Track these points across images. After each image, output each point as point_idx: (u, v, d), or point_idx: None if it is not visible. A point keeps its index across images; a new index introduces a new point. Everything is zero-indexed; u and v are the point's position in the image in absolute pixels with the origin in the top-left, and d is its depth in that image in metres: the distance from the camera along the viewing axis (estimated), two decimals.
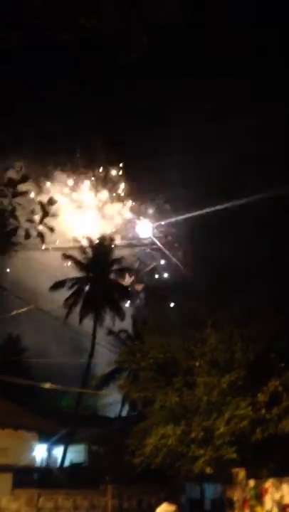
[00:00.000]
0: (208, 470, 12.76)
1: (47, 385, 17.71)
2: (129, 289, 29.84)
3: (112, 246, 31.10)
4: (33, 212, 8.11)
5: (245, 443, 13.09)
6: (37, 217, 8.13)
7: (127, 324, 30.98)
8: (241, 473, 14.18)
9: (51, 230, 8.44)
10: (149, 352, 15.58)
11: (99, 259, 30.12)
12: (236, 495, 14.25)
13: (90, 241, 30.85)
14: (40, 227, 8.15)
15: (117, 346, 30.06)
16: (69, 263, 29.80)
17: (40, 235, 8.10)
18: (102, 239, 31.43)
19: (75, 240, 28.96)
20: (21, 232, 7.72)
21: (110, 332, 29.73)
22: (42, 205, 8.17)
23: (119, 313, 29.43)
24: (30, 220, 8.00)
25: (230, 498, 14.41)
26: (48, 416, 22.52)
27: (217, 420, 13.26)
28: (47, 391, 28.66)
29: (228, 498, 14.53)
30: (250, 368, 13.54)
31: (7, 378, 18.07)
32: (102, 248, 30.70)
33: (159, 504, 11.17)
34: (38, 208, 8.16)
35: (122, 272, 30.19)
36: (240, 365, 13.52)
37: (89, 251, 30.54)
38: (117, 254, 30.25)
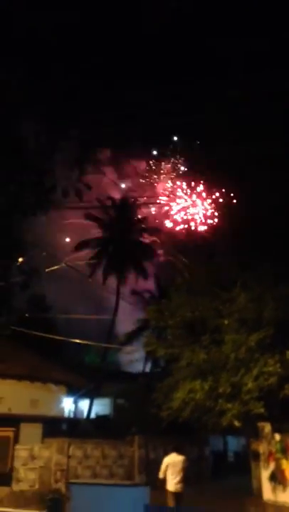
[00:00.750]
0: (237, 423, 13.10)
1: (77, 340, 18.20)
2: (153, 248, 29.91)
3: (136, 205, 31.03)
4: (71, 169, 8.05)
5: (273, 399, 13.33)
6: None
7: (150, 284, 31.34)
8: (267, 427, 14.53)
9: (88, 187, 8.38)
10: (176, 310, 15.74)
11: (122, 219, 30.15)
12: (262, 448, 14.66)
13: (113, 201, 30.81)
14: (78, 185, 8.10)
15: (141, 306, 30.64)
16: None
17: (78, 193, 8.06)
18: (125, 198, 31.32)
19: (99, 200, 28.93)
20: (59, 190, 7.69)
21: (134, 292, 30.13)
22: (79, 163, 8.09)
23: (143, 272, 29.68)
24: (68, 178, 7.96)
25: (256, 450, 14.84)
26: (74, 371, 23.28)
27: (245, 376, 13.47)
28: (72, 347, 29.57)
29: (254, 450, 14.96)
30: (278, 327, 13.60)
31: (37, 333, 18.57)
32: (125, 208, 30.67)
33: (167, 454, 11.67)
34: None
35: (146, 231, 30.20)
36: (269, 324, 13.59)
37: (112, 211, 30.57)
38: (143, 213, 30.20)
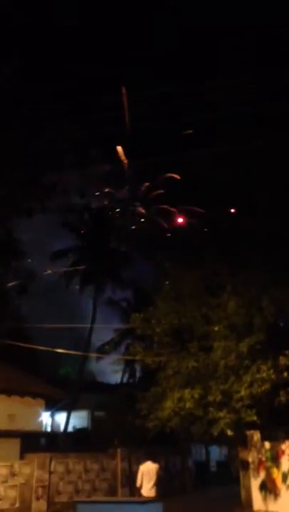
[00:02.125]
0: (229, 432, 12.84)
1: (59, 350, 17.66)
2: (130, 257, 29.55)
3: (112, 213, 30.70)
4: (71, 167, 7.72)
5: (263, 406, 13.17)
6: None
7: (127, 293, 30.97)
8: (256, 435, 14.38)
9: (89, 185, 8.04)
10: (163, 317, 15.45)
11: (98, 228, 29.72)
12: (251, 457, 14.48)
13: (89, 209, 30.37)
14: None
15: (118, 315, 30.20)
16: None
17: (80, 191, 7.71)
18: (102, 206, 30.97)
19: (74, 209, 28.43)
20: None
21: (111, 301, 29.65)
22: (79, 162, 7.78)
23: (120, 282, 29.26)
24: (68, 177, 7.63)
25: (245, 459, 14.64)
26: (50, 383, 22.56)
27: (235, 384, 13.27)
28: (47, 359, 28.72)
29: (243, 459, 14.76)
30: (270, 332, 13.51)
31: (15, 344, 17.88)
32: (101, 216, 30.30)
33: (142, 463, 12.07)
34: None
35: (123, 239, 29.87)
36: (260, 330, 13.47)
37: (88, 219, 30.12)
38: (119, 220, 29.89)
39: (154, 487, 11.38)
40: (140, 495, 11.38)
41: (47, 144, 7.45)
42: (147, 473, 11.55)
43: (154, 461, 12.02)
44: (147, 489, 11.37)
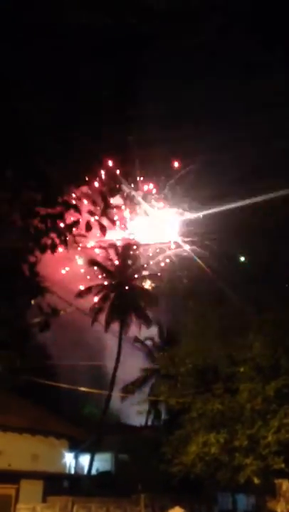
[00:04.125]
0: (256, 480, 12.32)
1: (82, 388, 17.54)
2: (156, 296, 29.51)
3: (137, 252, 30.94)
4: (94, 203, 7.89)
5: None
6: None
7: (151, 331, 30.77)
8: (285, 484, 13.71)
9: (113, 222, 8.16)
10: (187, 357, 15.26)
11: (124, 266, 29.96)
12: (280, 507, 13.77)
13: (116, 248, 30.75)
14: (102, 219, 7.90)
15: (143, 354, 29.89)
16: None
17: (102, 227, 7.84)
18: (128, 245, 31.30)
19: (101, 247, 28.86)
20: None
21: (136, 339, 29.46)
22: (103, 196, 7.93)
23: (146, 320, 29.14)
24: (91, 212, 7.76)
25: (273, 510, 13.92)
26: (74, 423, 22.30)
27: (262, 429, 12.84)
28: (71, 398, 28.47)
29: (271, 510, 14.05)
30: None
31: (39, 381, 17.87)
32: (127, 255, 30.56)
33: (170, 508, 12.97)
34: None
35: (148, 278, 29.93)
36: (287, 372, 13.11)
37: (114, 257, 30.44)
38: (144, 260, 30.02)
39: None
40: None
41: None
42: None
43: (182, 506, 12.81)
44: None
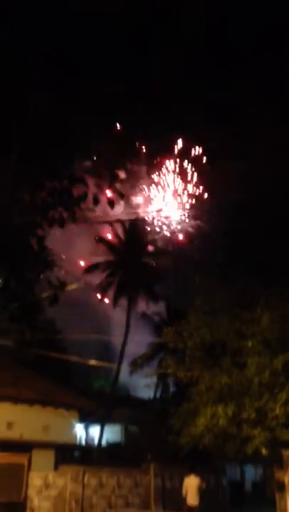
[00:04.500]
0: (264, 451, 12.53)
1: (92, 362, 17.77)
2: (163, 271, 29.58)
3: (145, 228, 30.82)
4: (101, 177, 7.80)
5: None
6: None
7: (159, 307, 30.97)
8: None
9: (122, 195, 8.11)
10: (195, 332, 15.34)
11: (132, 243, 29.94)
12: (287, 477, 14.03)
13: (123, 224, 30.64)
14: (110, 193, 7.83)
15: (150, 329, 30.17)
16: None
17: (110, 201, 7.77)
18: (135, 222, 31.16)
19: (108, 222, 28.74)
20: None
21: (144, 315, 29.69)
22: (111, 169, 7.84)
23: (153, 296, 29.31)
24: (99, 185, 7.68)
25: (281, 480, 14.20)
26: (83, 396, 22.67)
27: (270, 401, 12.97)
28: (81, 372, 28.91)
29: (278, 480, 14.32)
30: None
31: (49, 355, 18.12)
32: (134, 231, 30.48)
33: (187, 476, 14.05)
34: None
35: (156, 254, 29.93)
36: None
37: (122, 233, 30.40)
38: (151, 235, 29.91)
39: (197, 496, 13.51)
40: (186, 503, 13.40)
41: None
42: (191, 485, 13.61)
43: (197, 474, 14.00)
44: (191, 498, 13.44)
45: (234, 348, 14.54)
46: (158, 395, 28.65)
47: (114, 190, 7.77)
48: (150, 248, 30.56)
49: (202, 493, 13.79)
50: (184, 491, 13.54)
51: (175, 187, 20.11)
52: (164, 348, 22.63)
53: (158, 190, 20.47)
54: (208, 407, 14.09)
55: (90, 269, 28.69)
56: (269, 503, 16.12)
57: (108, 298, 28.86)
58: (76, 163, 7.32)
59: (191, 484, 13.51)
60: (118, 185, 7.78)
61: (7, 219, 6.76)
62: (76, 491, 15.64)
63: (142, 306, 29.77)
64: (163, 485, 18.01)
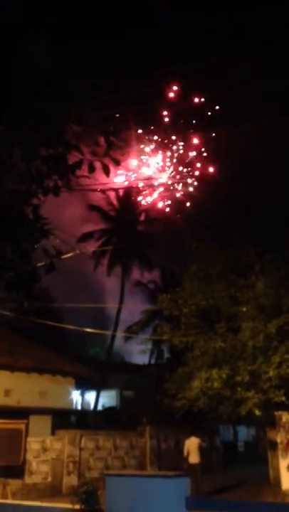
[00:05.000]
0: (257, 412, 12.87)
1: (87, 329, 17.92)
2: (157, 239, 29.54)
3: (139, 195, 30.56)
4: (96, 143, 7.62)
5: None
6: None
7: (154, 274, 31.10)
8: (285, 416, 14.36)
9: (117, 162, 7.96)
10: (190, 298, 15.46)
11: (126, 210, 29.72)
12: (279, 437, 14.50)
13: (117, 191, 30.31)
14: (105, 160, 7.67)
15: (145, 296, 30.38)
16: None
17: (106, 168, 7.62)
18: (128, 188, 30.84)
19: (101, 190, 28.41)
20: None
21: (138, 283, 29.82)
22: (106, 136, 7.66)
23: (148, 263, 29.36)
24: (94, 153, 7.52)
25: (273, 440, 14.67)
26: (80, 362, 22.98)
27: (263, 364, 13.24)
28: (77, 340, 29.26)
29: (271, 440, 14.80)
30: None
31: (45, 323, 18.21)
32: (128, 199, 30.22)
33: (188, 437, 14.17)
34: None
35: (149, 222, 29.80)
36: None
37: (115, 201, 30.12)
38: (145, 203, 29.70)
39: (198, 456, 13.94)
40: (187, 462, 13.81)
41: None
42: (191, 445, 13.94)
43: (197, 435, 14.31)
44: (193, 457, 13.85)
45: (229, 313, 14.73)
46: (153, 362, 29.15)
47: (110, 157, 7.61)
48: (144, 215, 30.42)
49: (202, 451, 14.40)
50: (185, 452, 14.03)
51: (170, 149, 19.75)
52: (158, 315, 22.87)
53: (152, 154, 20.07)
54: (203, 370, 14.39)
55: (85, 237, 28.57)
56: (261, 461, 16.73)
57: (103, 266, 28.94)
58: (69, 130, 7.13)
59: (193, 444, 13.94)
60: (113, 152, 7.62)
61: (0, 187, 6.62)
62: (73, 454, 16.06)
63: (136, 274, 29.89)
64: (158, 446, 18.54)
